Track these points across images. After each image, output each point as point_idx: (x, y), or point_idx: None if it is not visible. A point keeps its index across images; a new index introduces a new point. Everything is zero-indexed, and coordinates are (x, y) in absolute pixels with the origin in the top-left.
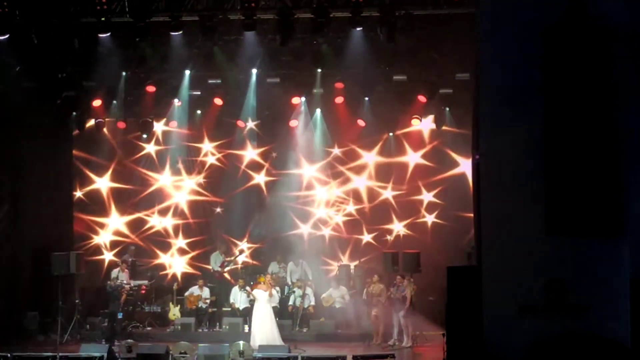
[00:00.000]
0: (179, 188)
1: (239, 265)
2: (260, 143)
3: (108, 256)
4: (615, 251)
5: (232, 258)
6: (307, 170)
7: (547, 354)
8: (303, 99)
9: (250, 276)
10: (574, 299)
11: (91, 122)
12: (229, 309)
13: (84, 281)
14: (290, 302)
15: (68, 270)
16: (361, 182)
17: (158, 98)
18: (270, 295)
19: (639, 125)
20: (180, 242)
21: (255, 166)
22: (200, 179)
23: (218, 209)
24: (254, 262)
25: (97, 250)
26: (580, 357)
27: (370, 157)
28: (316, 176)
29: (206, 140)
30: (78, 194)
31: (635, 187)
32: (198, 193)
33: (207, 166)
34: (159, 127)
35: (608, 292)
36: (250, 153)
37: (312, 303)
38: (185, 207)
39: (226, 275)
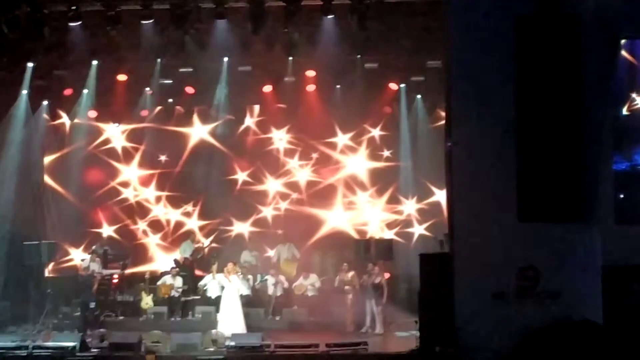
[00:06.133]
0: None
1: (206, 249)
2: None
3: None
4: (586, 238)
5: (204, 246)
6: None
7: (540, 341)
8: (274, 87)
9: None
10: (546, 285)
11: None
12: (198, 297)
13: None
14: (263, 286)
15: (40, 260)
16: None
17: (129, 87)
18: (230, 281)
19: (608, 111)
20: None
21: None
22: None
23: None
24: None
25: None
26: (575, 345)
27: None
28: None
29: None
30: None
31: (606, 174)
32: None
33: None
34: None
35: (580, 279)
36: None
37: (285, 286)
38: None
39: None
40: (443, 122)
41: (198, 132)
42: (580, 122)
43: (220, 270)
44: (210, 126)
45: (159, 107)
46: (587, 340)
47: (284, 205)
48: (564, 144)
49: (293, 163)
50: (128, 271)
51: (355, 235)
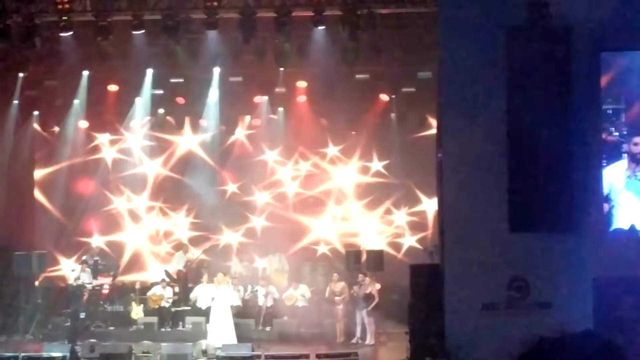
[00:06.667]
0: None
1: (197, 261)
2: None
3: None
4: (577, 250)
5: (195, 258)
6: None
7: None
8: (265, 97)
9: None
10: (537, 297)
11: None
12: (189, 308)
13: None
14: (254, 297)
15: (30, 270)
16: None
17: (120, 97)
18: (219, 292)
19: (598, 122)
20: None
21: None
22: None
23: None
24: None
25: None
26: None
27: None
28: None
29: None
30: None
31: (597, 184)
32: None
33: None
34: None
35: (570, 291)
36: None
37: (276, 296)
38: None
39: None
40: (434, 132)
41: (189, 142)
42: (571, 133)
43: (210, 280)
44: (201, 136)
45: (149, 117)
46: (591, 351)
47: (274, 215)
48: (555, 155)
49: (283, 173)
50: (118, 280)
51: (345, 247)
